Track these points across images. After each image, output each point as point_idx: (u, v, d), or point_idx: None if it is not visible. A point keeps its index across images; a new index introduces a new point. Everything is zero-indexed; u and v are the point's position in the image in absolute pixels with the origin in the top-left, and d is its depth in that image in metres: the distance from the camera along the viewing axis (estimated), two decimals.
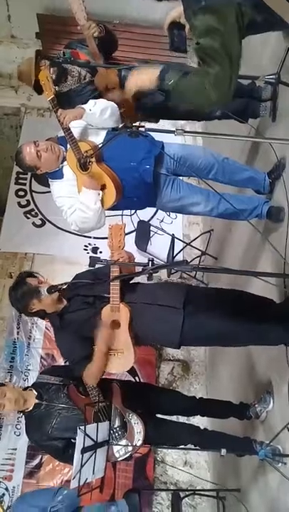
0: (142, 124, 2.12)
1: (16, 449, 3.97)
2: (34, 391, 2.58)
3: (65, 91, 2.84)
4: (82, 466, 2.10)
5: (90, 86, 2.87)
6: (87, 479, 2.16)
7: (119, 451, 2.51)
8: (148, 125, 2.12)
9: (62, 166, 2.62)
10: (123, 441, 2.48)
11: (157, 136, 2.71)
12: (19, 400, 2.52)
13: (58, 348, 2.54)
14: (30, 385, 4.11)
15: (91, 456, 2.15)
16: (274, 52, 2.87)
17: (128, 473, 3.80)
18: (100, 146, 2.42)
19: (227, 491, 3.26)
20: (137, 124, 2.13)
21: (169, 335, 2.28)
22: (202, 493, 3.62)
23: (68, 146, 2.55)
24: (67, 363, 2.65)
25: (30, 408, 2.53)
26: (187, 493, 3.47)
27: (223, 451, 2.38)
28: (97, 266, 1.99)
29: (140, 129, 2.03)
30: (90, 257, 2.03)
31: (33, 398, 2.55)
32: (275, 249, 2.06)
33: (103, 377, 2.71)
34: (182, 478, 3.84)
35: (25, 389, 2.66)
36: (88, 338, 2.31)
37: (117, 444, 2.47)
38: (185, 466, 4.07)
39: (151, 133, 2.42)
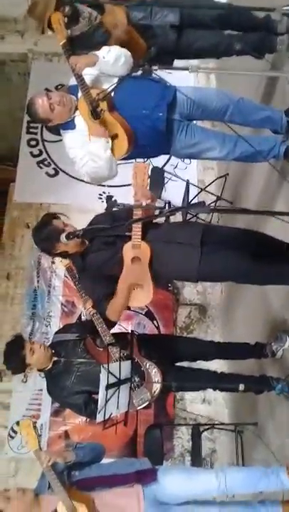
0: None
1: (41, 390, 4.18)
2: (51, 350, 2.65)
3: (76, 34, 2.75)
4: (106, 401, 2.22)
5: (101, 27, 2.77)
6: (112, 413, 2.28)
7: (139, 400, 2.60)
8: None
9: (74, 116, 2.58)
10: (142, 390, 2.58)
11: (170, 80, 2.64)
12: (45, 359, 2.60)
13: (82, 287, 2.61)
14: (51, 331, 4.30)
15: (115, 392, 2.26)
16: None
17: (149, 411, 3.99)
18: (111, 87, 2.36)
19: (244, 424, 3.42)
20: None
21: (186, 270, 2.35)
22: (221, 427, 3.80)
23: (80, 94, 2.50)
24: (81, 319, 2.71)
25: (50, 366, 2.61)
26: (206, 427, 3.64)
27: (241, 386, 2.48)
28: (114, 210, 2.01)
29: (153, 67, 1.97)
30: (107, 201, 2.04)
31: (52, 357, 2.62)
32: None
33: (120, 331, 2.81)
34: (201, 414, 4.02)
35: None
36: (110, 276, 2.37)
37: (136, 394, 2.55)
38: (204, 403, 4.25)
39: (164, 73, 2.35)
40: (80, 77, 2.41)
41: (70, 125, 2.58)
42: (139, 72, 2.32)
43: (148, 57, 2.35)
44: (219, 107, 2.67)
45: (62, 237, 2.27)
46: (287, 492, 2.41)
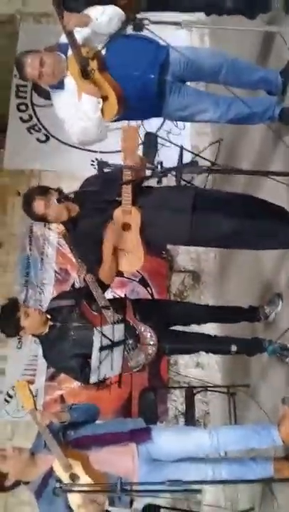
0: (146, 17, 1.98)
1: (36, 356, 4.24)
2: (47, 315, 2.66)
3: None
4: (100, 363, 2.24)
5: None
6: (105, 375, 2.31)
7: (134, 362, 2.62)
8: (152, 18, 1.99)
9: (64, 76, 2.51)
10: (137, 353, 2.60)
11: (162, 36, 2.55)
12: (39, 324, 2.60)
13: (76, 253, 2.62)
14: (45, 298, 4.32)
15: (108, 354, 2.29)
16: None
17: (144, 375, 4.05)
18: (101, 45, 2.29)
19: (237, 386, 3.49)
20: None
21: (177, 235, 2.37)
22: (214, 389, 3.88)
23: (70, 53, 2.42)
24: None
25: (46, 331, 2.62)
26: (199, 389, 3.71)
27: (234, 347, 2.51)
28: (105, 171, 1.99)
29: (144, 21, 1.91)
30: (98, 161, 2.01)
31: (47, 322, 2.63)
32: (287, 146, 2.02)
33: (115, 296, 2.82)
34: (194, 378, 4.09)
35: None
36: (102, 242, 2.37)
37: (131, 356, 2.59)
38: (197, 368, 4.33)
39: (156, 29, 2.28)
40: (70, 35, 2.32)
41: (59, 85, 2.51)
42: (130, 28, 2.25)
43: (138, 9, 2.27)
44: (213, 67, 2.61)
45: (54, 200, 2.28)
46: (278, 449, 2.49)
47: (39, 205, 2.38)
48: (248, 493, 3.16)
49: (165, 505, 3.55)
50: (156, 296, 4.62)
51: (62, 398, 4.32)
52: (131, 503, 2.38)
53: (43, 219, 2.44)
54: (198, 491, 1.76)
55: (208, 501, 3.71)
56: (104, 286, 2.64)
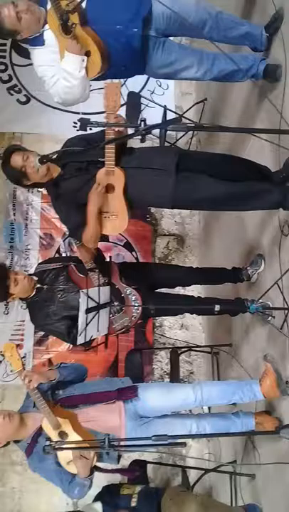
0: None
1: (24, 321, 4.26)
2: (35, 277, 2.66)
3: None
4: (87, 324, 2.27)
5: None
6: (92, 336, 2.34)
7: (119, 324, 2.65)
8: None
9: (43, 31, 2.41)
10: (122, 315, 2.63)
11: None
12: (28, 289, 2.60)
13: (58, 215, 2.59)
14: (31, 263, 4.30)
15: (94, 316, 2.31)
16: None
17: (130, 337, 4.11)
18: None
19: (220, 346, 3.57)
20: None
21: (161, 196, 2.33)
22: (197, 349, 3.96)
23: (49, 7, 2.32)
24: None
25: (33, 294, 2.62)
26: (184, 349, 3.79)
27: (217, 306, 2.54)
28: (88, 129, 1.95)
29: None
30: (80, 118, 1.96)
31: (35, 286, 2.62)
32: (272, 103, 1.99)
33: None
34: (179, 339, 4.17)
35: None
36: (85, 204, 2.33)
37: (116, 318, 2.62)
38: (181, 329, 4.40)
39: None
40: None
41: (38, 41, 2.41)
42: None
43: None
44: (197, 22, 2.52)
45: (36, 161, 2.22)
46: (259, 404, 2.58)
47: (17, 159, 2.31)
48: (230, 446, 3.29)
49: (152, 461, 3.68)
50: (141, 260, 4.63)
51: (50, 362, 4.38)
52: (118, 458, 2.46)
53: (22, 175, 2.34)
54: (183, 444, 1.82)
55: (192, 455, 3.86)
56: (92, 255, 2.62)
